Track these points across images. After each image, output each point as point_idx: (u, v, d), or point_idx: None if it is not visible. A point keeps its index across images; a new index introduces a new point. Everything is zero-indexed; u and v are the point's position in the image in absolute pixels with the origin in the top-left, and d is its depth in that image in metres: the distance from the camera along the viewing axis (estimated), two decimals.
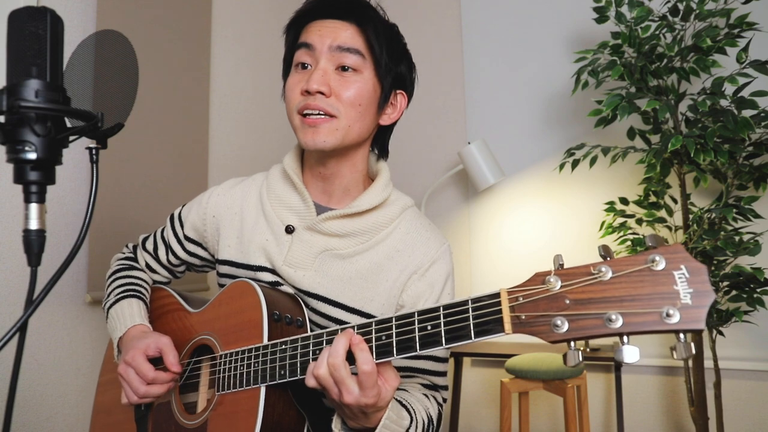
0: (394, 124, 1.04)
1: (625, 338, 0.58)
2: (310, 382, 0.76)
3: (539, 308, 0.62)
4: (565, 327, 0.59)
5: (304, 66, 0.94)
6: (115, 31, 0.72)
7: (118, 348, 1.03)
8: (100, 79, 0.69)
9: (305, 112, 0.91)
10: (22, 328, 0.53)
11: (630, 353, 0.56)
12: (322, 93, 0.90)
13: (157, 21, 1.90)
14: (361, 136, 0.96)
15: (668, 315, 0.54)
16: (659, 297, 0.56)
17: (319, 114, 0.91)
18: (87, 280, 1.63)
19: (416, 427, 0.85)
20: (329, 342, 0.79)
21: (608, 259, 0.60)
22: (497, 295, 0.65)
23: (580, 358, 0.60)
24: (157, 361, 0.94)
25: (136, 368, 0.92)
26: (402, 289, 0.97)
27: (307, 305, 0.98)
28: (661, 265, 0.56)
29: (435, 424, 0.92)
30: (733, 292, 1.92)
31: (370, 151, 1.06)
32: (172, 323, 1.07)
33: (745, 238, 1.89)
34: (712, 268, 1.92)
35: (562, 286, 0.61)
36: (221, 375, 0.91)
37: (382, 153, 1.07)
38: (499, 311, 0.64)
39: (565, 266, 0.62)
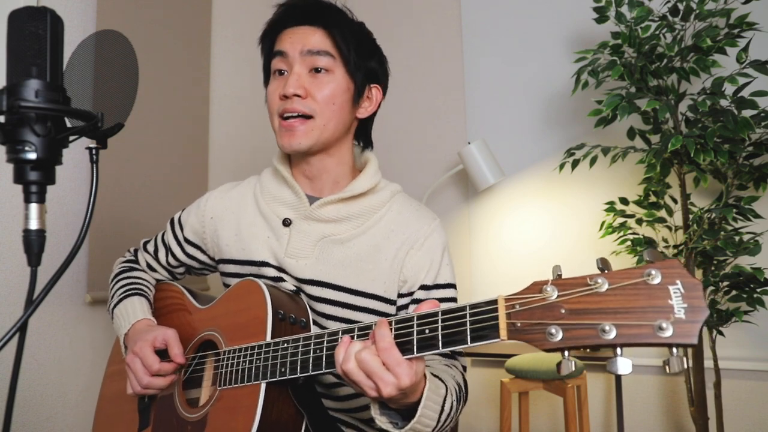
0: (374, 115, 1.10)
1: (618, 350, 0.58)
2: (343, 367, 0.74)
3: (535, 316, 0.63)
4: (559, 336, 0.61)
5: (281, 72, 1.02)
6: (115, 31, 0.72)
7: (124, 344, 1.04)
8: (100, 79, 0.69)
9: (285, 115, 0.98)
10: (22, 328, 0.53)
11: (623, 365, 0.58)
12: (298, 96, 0.97)
13: (157, 21, 1.90)
14: (339, 131, 1.02)
15: (661, 328, 0.55)
16: (653, 310, 0.57)
17: (296, 116, 0.97)
18: (87, 280, 1.63)
19: (451, 394, 0.84)
20: (330, 342, 0.79)
21: (605, 271, 0.61)
22: (495, 301, 0.67)
23: (573, 368, 0.61)
24: (163, 354, 0.96)
25: (143, 359, 0.94)
26: (402, 264, 1.00)
27: (311, 295, 1.00)
28: (656, 279, 0.57)
29: (464, 391, 0.93)
30: (733, 292, 1.92)
31: (355, 144, 1.11)
32: (178, 319, 1.08)
33: (745, 238, 1.89)
34: (712, 268, 1.92)
35: (558, 296, 0.62)
36: (223, 370, 0.92)
37: (367, 144, 1.13)
38: (496, 317, 0.66)
39: (563, 276, 0.63)
